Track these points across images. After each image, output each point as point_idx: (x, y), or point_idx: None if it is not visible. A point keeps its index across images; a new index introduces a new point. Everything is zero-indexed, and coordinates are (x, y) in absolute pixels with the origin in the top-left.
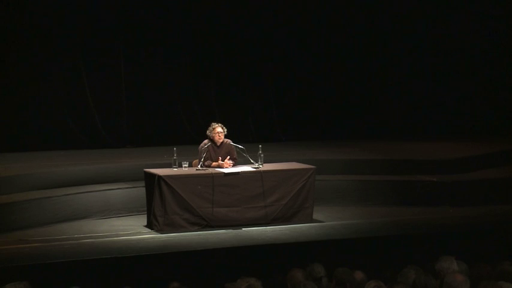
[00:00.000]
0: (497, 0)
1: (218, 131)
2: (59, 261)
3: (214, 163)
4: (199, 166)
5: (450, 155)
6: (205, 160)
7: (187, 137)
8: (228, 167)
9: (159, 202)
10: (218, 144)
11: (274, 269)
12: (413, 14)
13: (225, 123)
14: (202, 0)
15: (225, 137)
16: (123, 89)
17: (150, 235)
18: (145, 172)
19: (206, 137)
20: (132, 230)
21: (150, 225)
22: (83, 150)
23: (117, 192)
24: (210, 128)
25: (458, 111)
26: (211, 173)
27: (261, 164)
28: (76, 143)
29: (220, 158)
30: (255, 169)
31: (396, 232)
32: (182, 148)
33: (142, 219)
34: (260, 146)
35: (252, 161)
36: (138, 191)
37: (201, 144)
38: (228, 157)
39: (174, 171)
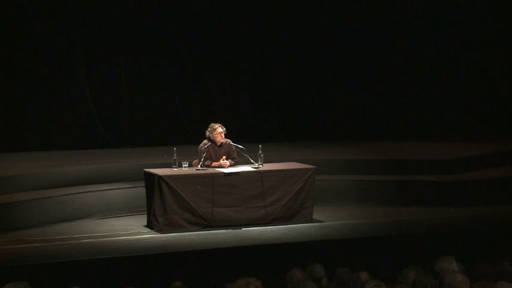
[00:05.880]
0: None
1: (219, 131)
2: (59, 261)
3: (214, 163)
4: (199, 166)
5: (450, 155)
6: (205, 160)
7: (187, 137)
8: (227, 166)
9: (159, 202)
10: (218, 144)
11: (274, 269)
12: (412, 15)
13: (225, 123)
14: (203, 0)
15: (225, 137)
16: (123, 89)
17: (150, 235)
18: (145, 172)
19: (206, 137)
20: (132, 230)
21: (150, 225)
22: (83, 150)
23: (117, 192)
24: (210, 129)
25: (457, 111)
26: (211, 173)
27: (261, 164)
28: (76, 143)
29: (220, 158)
30: (255, 169)
31: (396, 232)
32: (182, 148)
33: (142, 219)
34: (260, 146)
35: (252, 161)
36: (138, 191)
37: (201, 144)
38: (224, 157)
39: (174, 171)
